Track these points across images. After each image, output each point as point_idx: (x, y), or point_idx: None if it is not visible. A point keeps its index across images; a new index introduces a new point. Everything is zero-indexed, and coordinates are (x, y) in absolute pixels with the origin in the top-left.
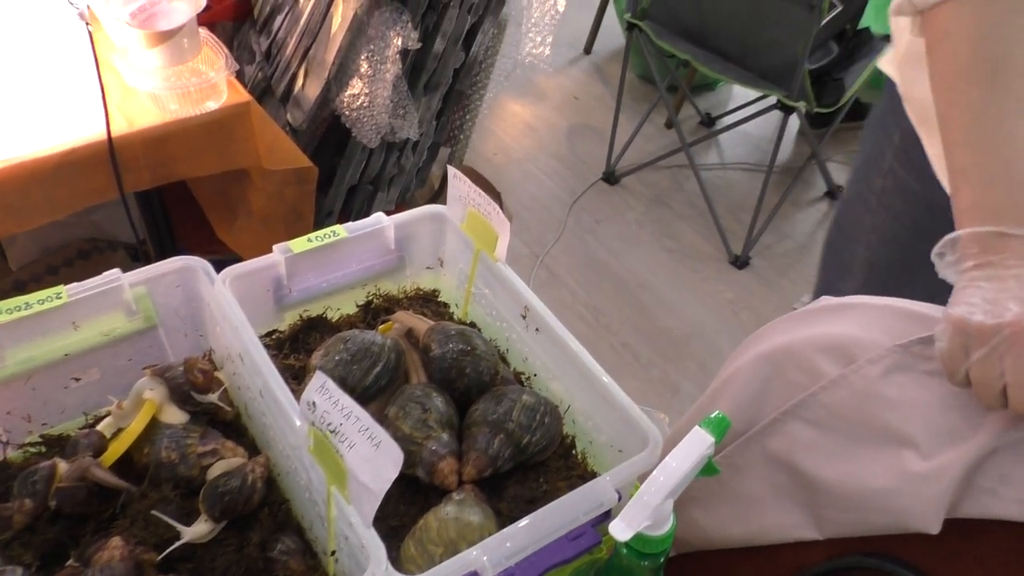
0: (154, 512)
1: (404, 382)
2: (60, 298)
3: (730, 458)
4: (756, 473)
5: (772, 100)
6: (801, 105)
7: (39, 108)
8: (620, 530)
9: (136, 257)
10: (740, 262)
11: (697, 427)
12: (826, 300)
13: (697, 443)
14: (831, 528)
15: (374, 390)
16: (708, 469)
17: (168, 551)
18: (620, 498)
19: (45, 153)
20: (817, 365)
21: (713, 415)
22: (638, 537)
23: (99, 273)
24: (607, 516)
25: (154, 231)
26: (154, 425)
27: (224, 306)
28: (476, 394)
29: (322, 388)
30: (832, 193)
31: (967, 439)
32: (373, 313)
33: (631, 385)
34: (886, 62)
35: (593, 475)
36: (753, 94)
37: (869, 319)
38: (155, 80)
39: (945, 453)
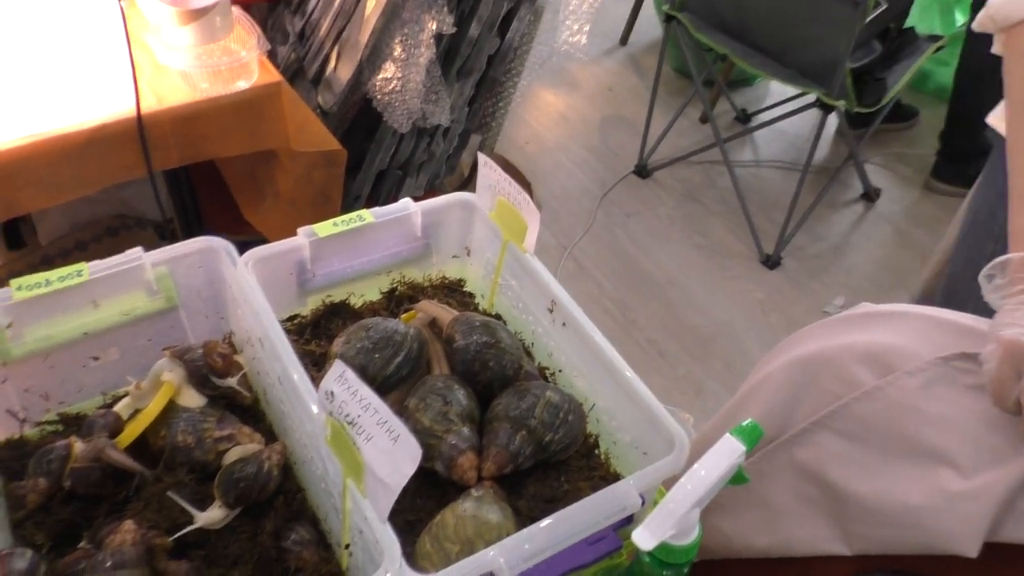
0: (169, 494)
1: (426, 373)
2: (81, 276)
3: (757, 464)
4: (783, 482)
5: (810, 98)
6: (841, 104)
7: (70, 84)
8: (644, 539)
9: (164, 235)
10: (771, 262)
11: (728, 434)
12: (866, 307)
13: (727, 451)
14: (861, 544)
15: (395, 380)
16: (738, 478)
17: (180, 534)
18: (643, 503)
19: (75, 129)
20: (854, 374)
21: (745, 423)
22: (662, 546)
23: (127, 250)
24: (629, 521)
25: (181, 210)
26: (171, 408)
27: (246, 289)
28: (499, 388)
29: (341, 378)
30: (868, 195)
31: (1011, 460)
32: (397, 301)
33: (656, 383)
34: (996, 119)
35: (616, 476)
36: (791, 91)
37: (910, 329)
38: (186, 58)
39: (986, 473)
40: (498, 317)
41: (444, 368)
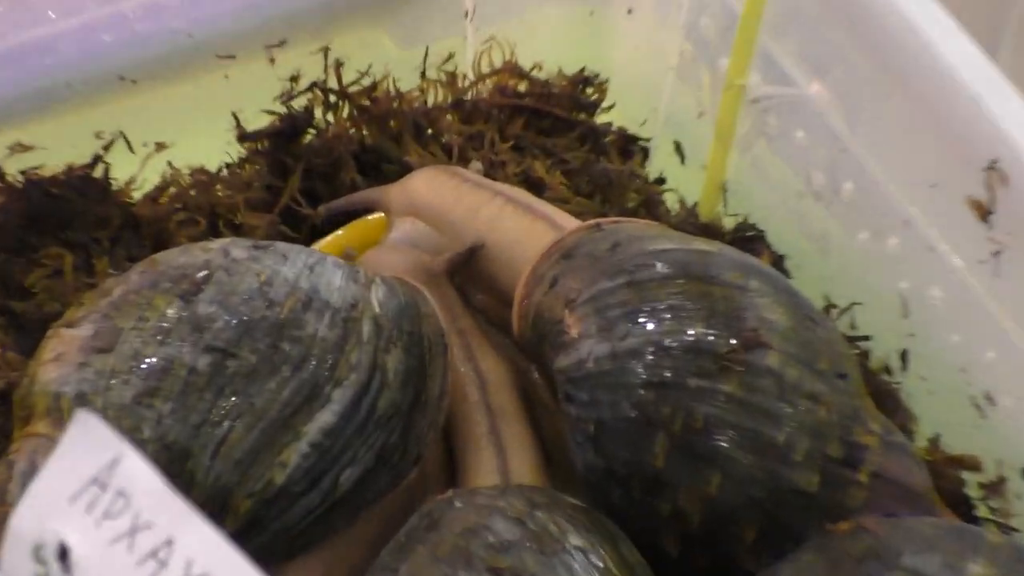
0: None
1: (438, 472)
2: None
3: None
4: None
5: None
6: None
7: None
8: None
9: None
10: None
11: None
12: None
13: None
14: None
15: (318, 502)
16: None
17: None
18: None
19: None
20: None
21: None
22: None
23: None
24: None
25: None
26: None
27: None
28: (764, 535)
29: (103, 483)
30: None
31: None
32: (309, 164)
33: None
34: None
35: None
36: None
37: None
38: None
39: None
40: (751, 237)
41: (522, 455)
